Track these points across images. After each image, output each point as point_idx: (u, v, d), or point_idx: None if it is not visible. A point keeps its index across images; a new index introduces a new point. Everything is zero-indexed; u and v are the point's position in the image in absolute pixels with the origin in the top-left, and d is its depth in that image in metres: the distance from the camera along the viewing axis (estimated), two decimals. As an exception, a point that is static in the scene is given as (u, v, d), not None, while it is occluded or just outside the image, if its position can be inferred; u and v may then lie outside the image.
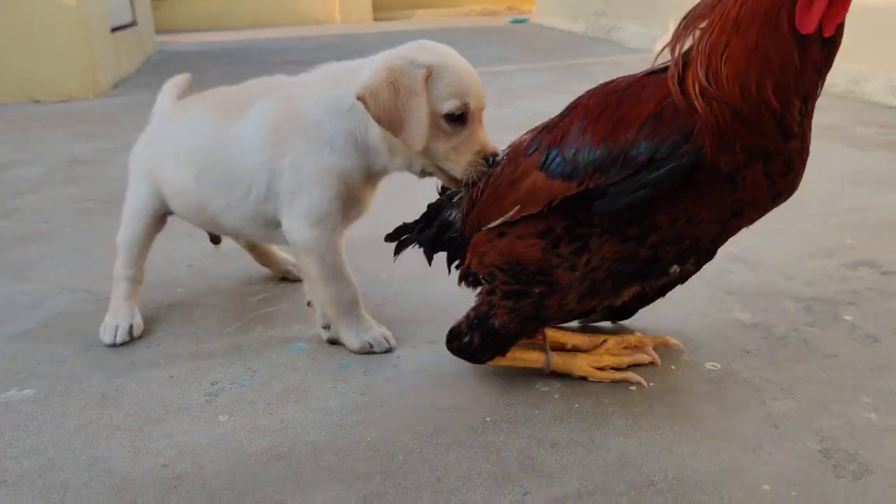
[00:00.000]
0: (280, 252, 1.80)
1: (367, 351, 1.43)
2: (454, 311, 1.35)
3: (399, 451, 1.15)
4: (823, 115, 3.29)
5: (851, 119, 3.20)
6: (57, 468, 1.13)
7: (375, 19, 11.29)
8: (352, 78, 1.32)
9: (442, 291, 1.56)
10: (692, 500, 1.01)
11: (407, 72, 1.26)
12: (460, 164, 1.30)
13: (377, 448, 1.16)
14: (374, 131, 1.32)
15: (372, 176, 1.40)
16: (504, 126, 3.34)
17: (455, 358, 1.32)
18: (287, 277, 1.80)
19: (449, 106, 1.27)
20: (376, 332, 1.45)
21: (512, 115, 3.58)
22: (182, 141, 1.47)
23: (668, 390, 1.28)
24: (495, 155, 1.30)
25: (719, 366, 1.34)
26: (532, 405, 1.25)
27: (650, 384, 1.29)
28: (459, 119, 1.28)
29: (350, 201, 1.39)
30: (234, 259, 1.91)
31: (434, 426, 1.20)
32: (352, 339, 1.44)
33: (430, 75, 1.26)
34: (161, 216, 1.57)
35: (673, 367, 1.35)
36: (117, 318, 1.53)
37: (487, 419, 1.22)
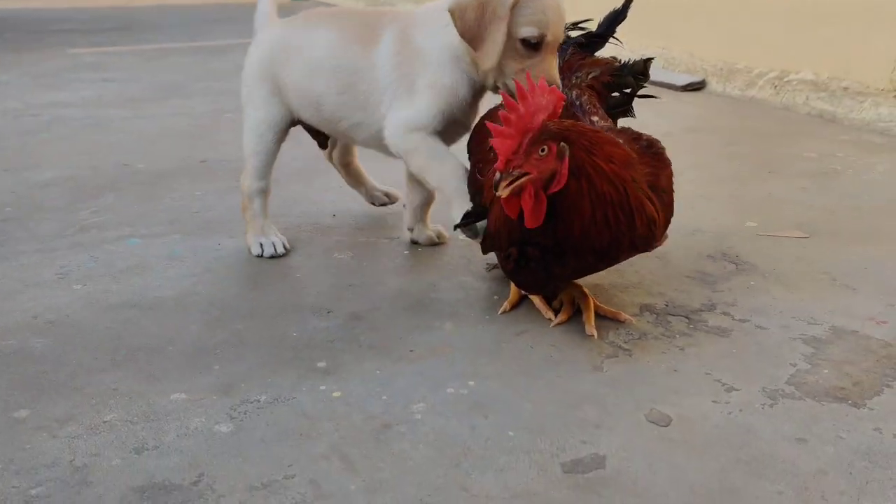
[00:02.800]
0: (370, 178, 1.93)
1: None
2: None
3: (227, 295, 1.49)
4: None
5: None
6: (-62, 325, 1.37)
7: (153, -7, 11.02)
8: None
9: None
10: (447, 306, 1.44)
11: None
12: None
13: (210, 294, 1.50)
14: (464, 45, 1.43)
15: (474, 93, 1.52)
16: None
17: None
18: (374, 203, 1.93)
19: (526, 32, 1.39)
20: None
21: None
22: (321, 55, 1.57)
23: (432, 252, 1.71)
24: (553, 84, 1.37)
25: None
26: (326, 266, 1.64)
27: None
28: (534, 46, 1.40)
29: (451, 121, 1.51)
30: (59, 185, 2.14)
31: (254, 280, 1.56)
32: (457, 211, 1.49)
33: (516, 3, 1.38)
34: (289, 127, 1.68)
35: (436, 238, 1.78)
36: (268, 235, 1.69)
37: (291, 269, 1.59)
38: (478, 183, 1.42)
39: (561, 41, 1.46)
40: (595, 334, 1.32)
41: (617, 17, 1.61)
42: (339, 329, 1.36)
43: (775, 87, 3.30)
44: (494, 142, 1.18)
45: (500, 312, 1.42)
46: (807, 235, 1.79)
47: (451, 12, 1.39)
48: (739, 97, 3.45)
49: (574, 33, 1.63)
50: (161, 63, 4.54)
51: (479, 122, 1.55)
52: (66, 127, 2.92)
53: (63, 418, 1.10)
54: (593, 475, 0.98)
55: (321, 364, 1.24)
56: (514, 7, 1.38)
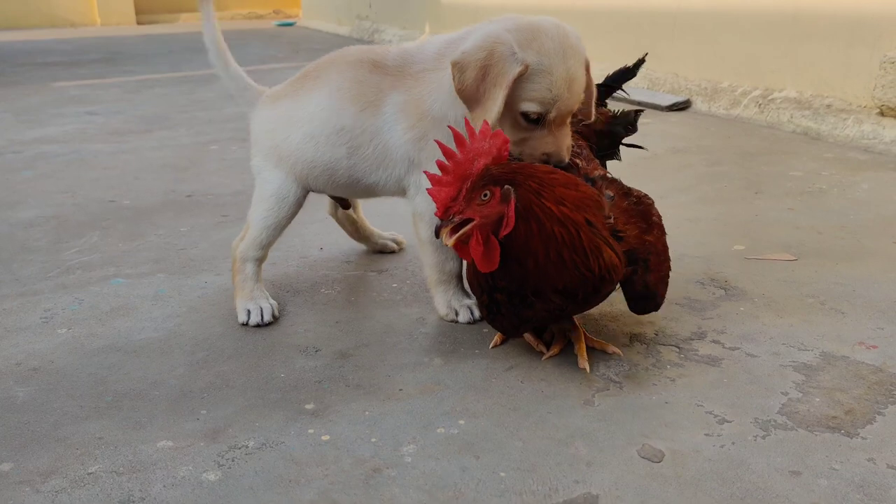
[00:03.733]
0: (374, 228, 1.90)
1: (452, 319, 1.51)
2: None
3: (213, 335, 1.48)
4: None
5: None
6: (-81, 375, 1.35)
7: (139, 23, 11.07)
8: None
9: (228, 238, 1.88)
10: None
11: (502, 62, 1.30)
12: (524, 157, 1.36)
13: (196, 335, 1.48)
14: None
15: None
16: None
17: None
18: (384, 251, 1.91)
19: (527, 107, 1.32)
20: (466, 302, 1.52)
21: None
22: (322, 121, 1.49)
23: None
24: (561, 163, 1.34)
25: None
26: (312, 303, 1.63)
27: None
28: (534, 121, 1.33)
29: None
30: (43, 224, 2.12)
31: (235, 319, 1.54)
32: (442, 304, 1.53)
33: (523, 74, 1.30)
34: (303, 199, 1.59)
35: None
36: (257, 301, 1.55)
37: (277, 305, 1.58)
38: None
39: (572, 113, 1.37)
40: (588, 368, 1.31)
41: (626, 74, 1.62)
42: (326, 368, 1.35)
43: (759, 105, 3.31)
44: (431, 191, 1.18)
45: (490, 347, 1.41)
46: (794, 258, 1.79)
47: (453, 65, 1.32)
48: (724, 116, 3.46)
49: None
50: (146, 94, 4.54)
51: None
52: (50, 163, 2.90)
53: (47, 471, 1.08)
54: (586, 516, 0.97)
55: (309, 406, 1.23)
56: (519, 78, 1.30)
